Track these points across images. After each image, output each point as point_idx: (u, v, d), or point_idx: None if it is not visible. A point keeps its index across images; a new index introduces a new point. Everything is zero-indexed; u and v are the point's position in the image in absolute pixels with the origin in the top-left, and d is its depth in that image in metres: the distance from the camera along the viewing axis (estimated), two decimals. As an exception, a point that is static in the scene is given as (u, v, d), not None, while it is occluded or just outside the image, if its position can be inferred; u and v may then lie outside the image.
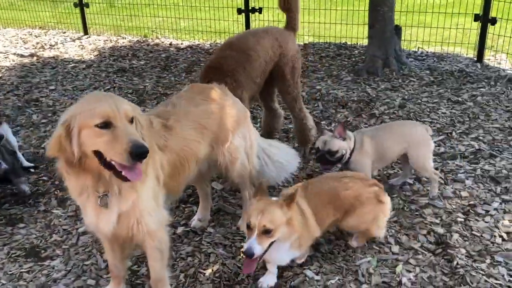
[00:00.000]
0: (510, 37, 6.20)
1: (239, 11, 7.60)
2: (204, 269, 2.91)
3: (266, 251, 2.44)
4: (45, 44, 8.38)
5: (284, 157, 3.39)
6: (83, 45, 8.19)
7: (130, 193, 2.28)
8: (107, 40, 8.41)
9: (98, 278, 2.89)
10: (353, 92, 5.49)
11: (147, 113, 2.67)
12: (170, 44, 8.03)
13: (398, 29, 6.21)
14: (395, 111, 4.92)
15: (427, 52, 6.91)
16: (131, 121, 2.15)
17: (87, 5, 8.82)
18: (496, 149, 4.09)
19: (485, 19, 6.25)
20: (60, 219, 3.47)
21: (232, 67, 3.51)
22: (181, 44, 8.02)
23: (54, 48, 8.07)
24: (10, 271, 2.97)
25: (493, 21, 6.18)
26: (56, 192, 3.78)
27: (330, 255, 2.98)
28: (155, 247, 2.46)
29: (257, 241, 2.36)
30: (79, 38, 8.67)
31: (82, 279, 2.87)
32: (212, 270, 2.89)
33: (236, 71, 3.51)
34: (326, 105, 5.18)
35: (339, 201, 2.82)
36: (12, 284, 2.85)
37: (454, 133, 4.41)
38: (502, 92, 5.30)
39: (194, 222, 3.31)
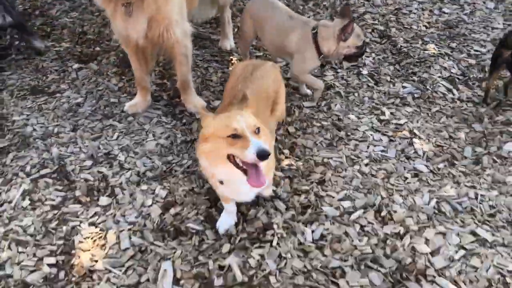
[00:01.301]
0: None
1: None
2: (210, 78, 3.37)
3: None
4: None
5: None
6: None
7: (151, 2, 2.54)
8: None
9: (117, 97, 3.19)
10: None
11: None
12: None
13: None
14: None
15: None
16: None
17: None
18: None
19: None
20: (46, 63, 3.55)
21: None
22: None
23: None
24: (27, 106, 3.12)
25: None
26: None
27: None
28: (182, 53, 2.82)
29: (257, 138, 1.81)
30: None
31: (104, 99, 3.16)
32: (217, 77, 3.37)
33: None
34: None
35: (269, 97, 2.39)
36: (36, 113, 3.04)
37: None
38: None
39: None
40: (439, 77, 3.33)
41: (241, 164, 1.86)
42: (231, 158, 1.88)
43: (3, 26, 3.36)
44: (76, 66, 3.49)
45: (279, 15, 2.95)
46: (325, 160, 2.66)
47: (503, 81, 3.15)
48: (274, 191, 2.43)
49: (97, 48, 3.73)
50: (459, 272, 2.05)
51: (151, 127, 2.91)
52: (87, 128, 2.91)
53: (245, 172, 1.87)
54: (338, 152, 2.72)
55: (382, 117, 3.00)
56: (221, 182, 2.03)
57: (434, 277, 2.03)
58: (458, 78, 3.33)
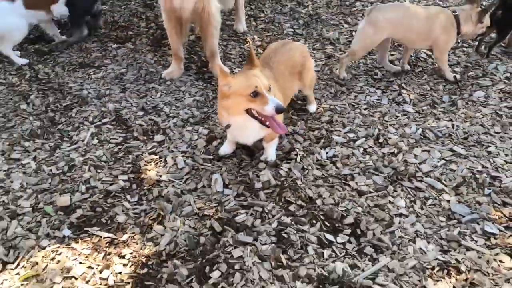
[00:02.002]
0: None
1: None
2: (230, 52, 4.01)
3: None
4: None
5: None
6: None
7: None
8: None
9: (154, 68, 3.81)
10: None
11: None
12: None
13: None
14: None
15: None
16: None
17: None
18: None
19: None
20: (88, 44, 4.16)
21: None
22: None
23: None
24: (79, 76, 3.71)
25: None
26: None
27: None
28: (214, 25, 3.45)
29: (272, 96, 2.36)
30: None
31: (143, 69, 3.77)
32: (235, 52, 4.01)
33: None
34: None
35: (294, 66, 2.92)
36: (88, 81, 3.64)
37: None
38: None
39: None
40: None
41: (259, 116, 2.40)
42: (249, 111, 2.41)
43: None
44: (114, 46, 4.10)
45: (419, 9, 3.48)
46: (331, 107, 3.30)
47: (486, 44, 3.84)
48: (292, 128, 3.05)
49: (130, 33, 4.35)
50: (441, 174, 2.68)
51: (187, 88, 3.52)
52: (134, 90, 3.51)
53: (261, 122, 2.41)
54: (342, 101, 3.36)
55: (375, 77, 3.65)
56: (228, 126, 2.56)
57: (422, 177, 2.66)
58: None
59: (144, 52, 4.02)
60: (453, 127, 3.06)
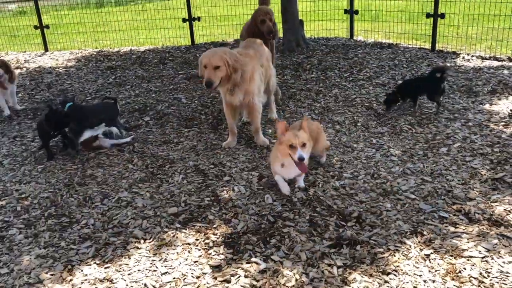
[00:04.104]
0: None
1: (184, 20, 10.31)
2: (267, 130, 5.68)
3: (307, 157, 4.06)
4: (13, 62, 9.99)
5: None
6: (55, 58, 10.03)
7: (243, 88, 4.99)
8: (71, 53, 10.34)
9: (216, 142, 5.46)
10: (286, 61, 8.64)
11: (236, 49, 5.37)
12: (131, 50, 10.34)
13: (301, 22, 9.57)
14: (316, 67, 8.17)
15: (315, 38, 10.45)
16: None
17: (47, 27, 10.62)
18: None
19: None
20: (168, 129, 5.89)
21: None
22: (139, 48, 10.38)
23: (26, 63, 9.77)
24: (165, 148, 5.37)
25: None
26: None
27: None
28: (257, 111, 5.18)
29: (301, 151, 3.88)
30: (42, 55, 10.42)
31: (209, 143, 5.43)
32: (272, 129, 5.68)
33: None
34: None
35: (312, 134, 4.28)
36: (173, 152, 5.28)
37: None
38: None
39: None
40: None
41: (294, 159, 3.98)
42: (289, 155, 3.98)
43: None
44: (186, 129, 5.83)
45: None
46: (341, 158, 4.84)
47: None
48: (315, 171, 4.56)
49: (195, 122, 6.10)
50: (414, 190, 4.12)
51: (240, 152, 5.14)
52: (204, 154, 5.13)
53: (296, 163, 3.98)
54: (348, 155, 4.91)
55: (372, 142, 5.24)
56: (283, 165, 4.17)
57: (402, 193, 4.09)
58: (414, 123, 5.64)
59: (207, 133, 5.72)
60: (423, 167, 4.54)
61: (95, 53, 10.27)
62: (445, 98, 6.28)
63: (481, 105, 6.01)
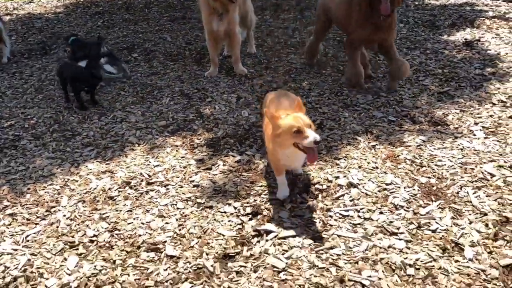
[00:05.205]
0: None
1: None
2: (245, 61, 6.26)
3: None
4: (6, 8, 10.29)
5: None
6: (43, 6, 10.34)
7: (229, 15, 5.51)
8: (58, 1, 10.63)
9: (199, 73, 6.03)
10: (266, 3, 9.08)
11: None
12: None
13: None
14: (294, 8, 8.64)
15: None
16: None
17: (33, -25, 10.84)
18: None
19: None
20: (155, 63, 6.44)
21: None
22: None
23: (15, 10, 10.08)
24: (153, 79, 5.94)
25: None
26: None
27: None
28: (237, 41, 5.73)
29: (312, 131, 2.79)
30: (30, 2, 10.70)
31: (192, 73, 6.00)
32: (251, 61, 6.26)
33: None
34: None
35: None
36: (161, 81, 5.85)
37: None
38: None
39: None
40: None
41: (301, 147, 2.87)
42: (295, 144, 2.90)
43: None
44: (171, 63, 6.38)
45: None
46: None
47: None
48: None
49: (180, 57, 6.64)
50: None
51: (221, 79, 5.72)
52: (189, 82, 5.71)
53: (304, 151, 2.89)
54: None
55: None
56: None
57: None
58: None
59: (191, 65, 6.27)
60: (381, 85, 5.18)
61: (82, 0, 10.58)
62: (409, 31, 6.86)
63: (440, 36, 6.61)
